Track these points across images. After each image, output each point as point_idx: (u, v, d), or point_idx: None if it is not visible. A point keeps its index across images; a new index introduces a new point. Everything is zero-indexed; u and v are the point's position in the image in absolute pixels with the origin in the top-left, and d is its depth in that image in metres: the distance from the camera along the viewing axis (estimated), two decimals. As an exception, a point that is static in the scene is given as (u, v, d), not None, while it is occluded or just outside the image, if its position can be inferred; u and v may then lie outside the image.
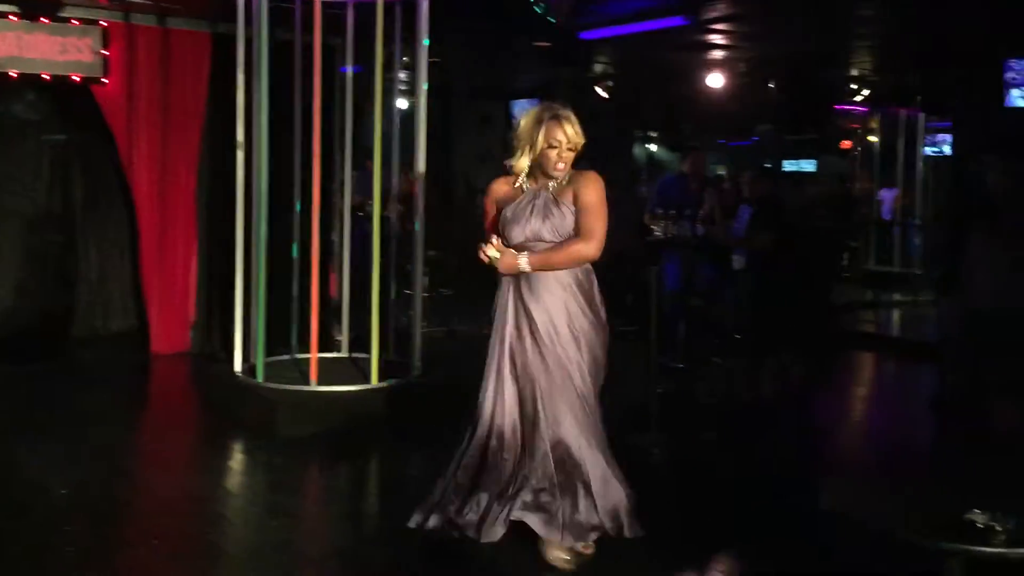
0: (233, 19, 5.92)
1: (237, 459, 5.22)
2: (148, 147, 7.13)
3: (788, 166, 16.59)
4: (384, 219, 6.18)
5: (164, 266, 7.31)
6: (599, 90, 10.88)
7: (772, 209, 7.00)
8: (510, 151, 3.64)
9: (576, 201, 3.56)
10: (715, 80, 10.38)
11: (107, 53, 6.93)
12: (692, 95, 10.95)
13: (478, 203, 13.51)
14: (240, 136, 5.92)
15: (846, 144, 14.39)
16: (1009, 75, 7.55)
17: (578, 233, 3.56)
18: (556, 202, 3.59)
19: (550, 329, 3.58)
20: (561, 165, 3.55)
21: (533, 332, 3.59)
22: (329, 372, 5.83)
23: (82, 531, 3.95)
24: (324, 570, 3.69)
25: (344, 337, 6.52)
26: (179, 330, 7.42)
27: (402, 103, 8.33)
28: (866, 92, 10.83)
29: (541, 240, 3.59)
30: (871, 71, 10.48)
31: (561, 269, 3.59)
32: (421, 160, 5.87)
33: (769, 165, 13.93)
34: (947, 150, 12.67)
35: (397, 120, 6.14)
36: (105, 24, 6.93)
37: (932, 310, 9.01)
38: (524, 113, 3.64)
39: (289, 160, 6.26)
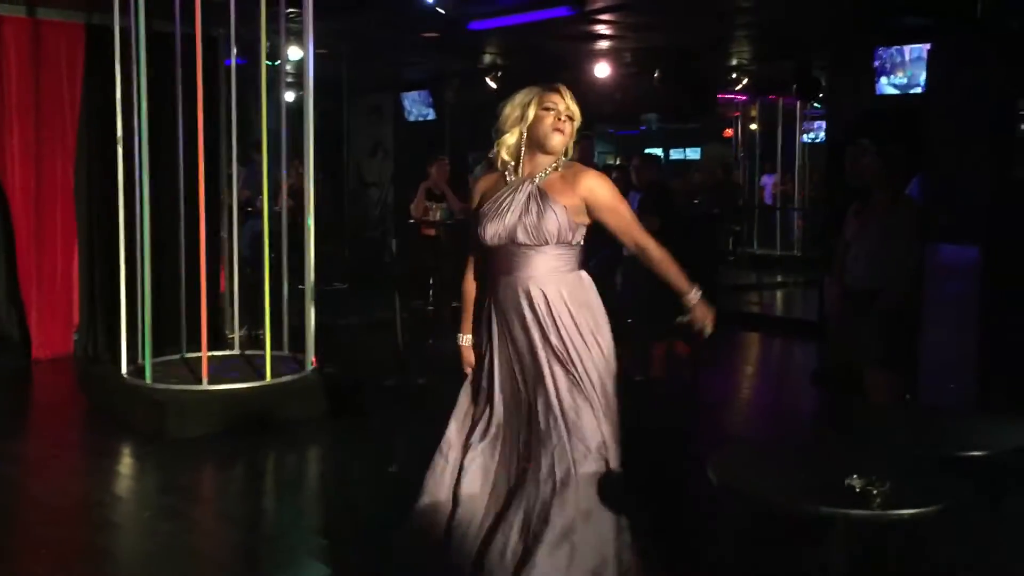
0: (108, 9, 5.73)
1: (126, 463, 5.07)
2: (21, 144, 6.84)
3: (675, 154, 16.99)
4: (274, 214, 6.08)
5: (42, 266, 7.02)
6: (489, 81, 10.92)
7: (659, 195, 7.16)
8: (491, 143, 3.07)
9: (592, 211, 2.94)
10: (602, 70, 10.55)
11: (-28, 45, 6.61)
12: (581, 85, 11.09)
13: (370, 196, 13.46)
14: (120, 131, 5.74)
15: (728, 132, 14.82)
16: (878, 63, 7.90)
17: (622, 236, 2.99)
18: (541, 196, 2.91)
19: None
20: (559, 137, 2.92)
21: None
22: (221, 370, 5.72)
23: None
24: (218, 573, 3.63)
25: (236, 335, 6.40)
26: (61, 333, 7.14)
27: (289, 96, 8.18)
28: (745, 81, 11.16)
29: (514, 242, 2.91)
30: (749, 60, 10.81)
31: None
32: (310, 153, 5.80)
33: (655, 152, 14.25)
34: (823, 136, 13.20)
35: (284, 113, 6.05)
36: (-31, 15, 6.61)
37: (811, 290, 9.39)
38: (506, 100, 3.04)
39: (172, 155, 6.10)
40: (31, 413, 6.26)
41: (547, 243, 2.90)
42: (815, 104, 12.50)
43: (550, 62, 10.24)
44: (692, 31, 9.15)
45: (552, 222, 2.88)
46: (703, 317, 3.02)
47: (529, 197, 2.91)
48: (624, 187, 8.04)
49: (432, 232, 8.90)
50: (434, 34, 9.08)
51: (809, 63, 9.94)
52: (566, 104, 2.96)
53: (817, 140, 13.43)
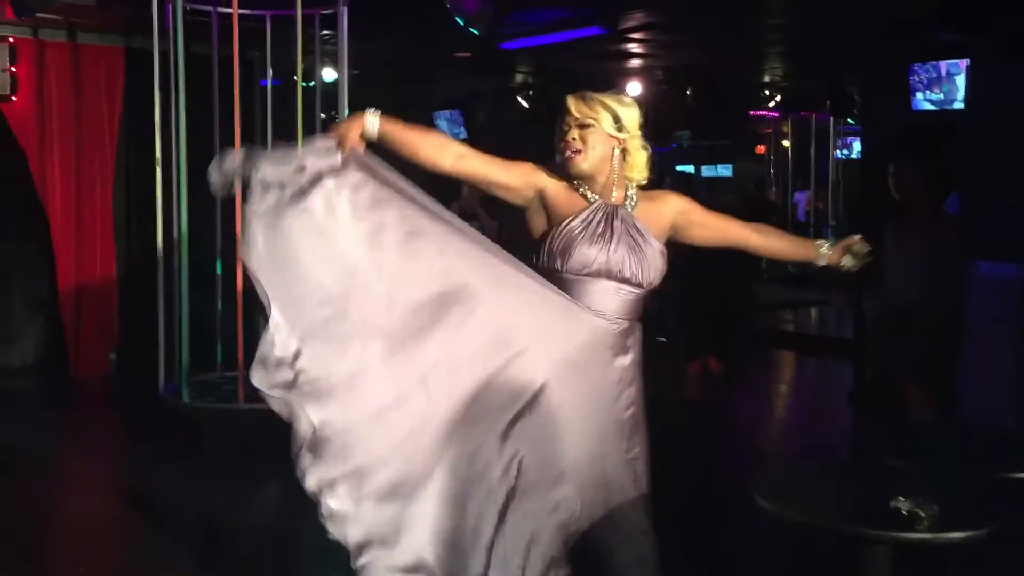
0: (147, 33, 5.81)
1: (164, 480, 5.10)
2: (62, 165, 6.96)
3: (706, 171, 16.91)
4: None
5: (81, 286, 7.12)
6: (520, 100, 10.95)
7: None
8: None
9: (693, 225, 2.63)
10: (634, 88, 10.55)
11: (15, 70, 6.74)
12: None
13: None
14: (158, 152, 5.81)
15: (761, 149, 14.76)
16: (914, 79, 7.83)
17: (735, 235, 2.70)
18: (643, 234, 2.52)
19: None
20: (574, 161, 2.51)
21: None
22: (257, 389, 5.73)
23: (5, 562, 3.83)
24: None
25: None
26: (99, 353, 7.22)
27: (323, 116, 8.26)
28: (778, 98, 11.11)
29: (622, 279, 2.48)
30: (782, 77, 10.77)
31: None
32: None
33: (688, 169, 14.19)
34: (856, 152, 13.10)
35: (320, 133, 6.08)
36: (12, 40, 6.74)
37: (847, 308, 9.28)
38: None
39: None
40: (69, 430, 6.32)
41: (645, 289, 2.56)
42: (849, 120, 12.42)
43: (581, 81, 10.27)
44: (724, 48, 9.14)
45: (654, 263, 2.52)
46: (844, 248, 2.73)
47: (631, 229, 2.51)
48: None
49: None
50: (466, 54, 9.13)
51: (843, 79, 9.88)
52: (576, 113, 2.54)
53: (851, 156, 13.32)
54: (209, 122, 6.09)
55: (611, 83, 11.33)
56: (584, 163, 2.51)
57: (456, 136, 12.79)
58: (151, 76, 5.78)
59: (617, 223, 2.49)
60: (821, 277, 5.17)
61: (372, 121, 2.44)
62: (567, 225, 2.47)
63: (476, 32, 6.19)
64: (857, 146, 13.04)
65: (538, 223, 2.54)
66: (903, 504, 2.38)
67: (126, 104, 7.04)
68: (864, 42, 8.09)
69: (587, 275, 2.46)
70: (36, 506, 4.55)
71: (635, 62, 9.86)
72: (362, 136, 2.43)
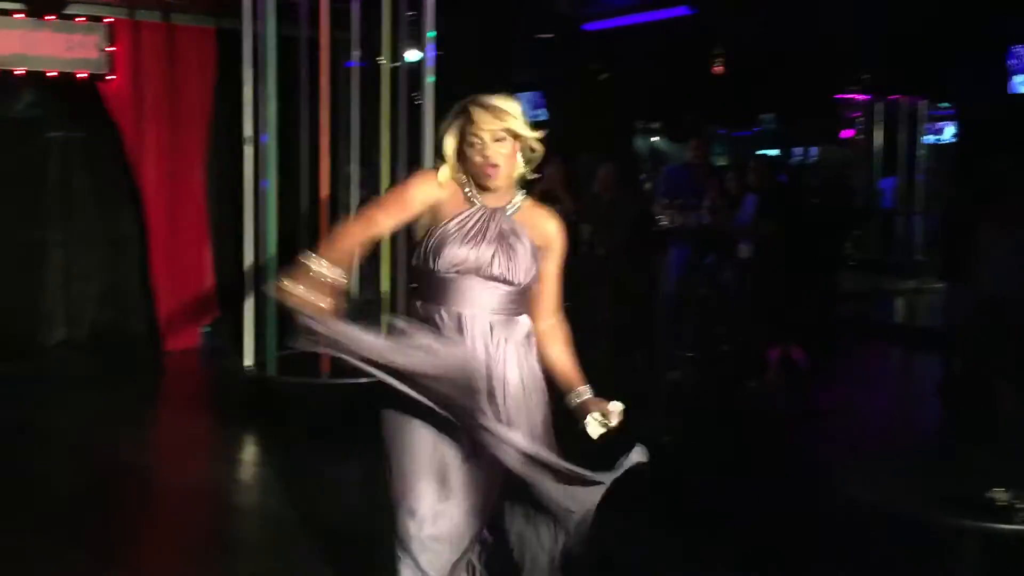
0: (238, 14, 5.94)
1: (251, 451, 5.25)
2: (156, 143, 7.16)
3: (797, 154, 16.59)
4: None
5: (174, 262, 7.33)
6: (601, 81, 10.87)
7: (777, 198, 7.03)
8: None
9: (545, 258, 2.61)
10: (717, 69, 10.38)
11: (113, 49, 6.95)
12: (695, 85, 10.95)
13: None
14: (248, 131, 5.94)
15: (847, 133, 14.40)
16: (1012, 61, 7.56)
17: (541, 303, 2.64)
18: (518, 234, 2.57)
19: None
20: (493, 177, 2.53)
21: None
22: (342, 364, 5.84)
23: (99, 525, 3.99)
24: (340, 560, 3.72)
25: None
26: (190, 326, 7.44)
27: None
28: (867, 79, 10.82)
29: (491, 276, 2.54)
30: (874, 59, 10.48)
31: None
32: (428, 154, 5.88)
33: (775, 153, 13.95)
34: (947, 138, 12.69)
35: (404, 114, 6.15)
36: (111, 21, 6.95)
37: (934, 297, 9.04)
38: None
39: (297, 155, 6.28)
40: (161, 402, 6.54)
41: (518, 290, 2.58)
42: (941, 104, 12.04)
43: (663, 62, 10.15)
44: (812, 30, 8.93)
45: (524, 265, 2.55)
46: (595, 409, 2.49)
47: (509, 232, 2.55)
48: (739, 189, 7.92)
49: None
50: (549, 35, 9.10)
51: (937, 61, 9.57)
52: (496, 126, 2.49)
53: (942, 141, 12.92)
54: (295, 102, 6.20)
55: (693, 65, 11.12)
56: (500, 180, 2.54)
57: (535, 118, 12.75)
58: (240, 56, 5.90)
59: (492, 224, 2.54)
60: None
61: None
62: (443, 227, 2.54)
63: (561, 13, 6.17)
64: (949, 130, 12.64)
65: (424, 224, 2.60)
66: (1000, 495, 2.32)
67: (217, 84, 7.21)
68: (961, 23, 7.85)
69: (457, 273, 2.52)
70: (129, 475, 4.71)
71: (720, 43, 9.70)
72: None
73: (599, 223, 8.11)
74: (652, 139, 16.25)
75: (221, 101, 7.14)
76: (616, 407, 2.47)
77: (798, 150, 15.85)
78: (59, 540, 3.78)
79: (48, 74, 6.87)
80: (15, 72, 6.77)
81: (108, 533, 3.92)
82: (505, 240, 2.54)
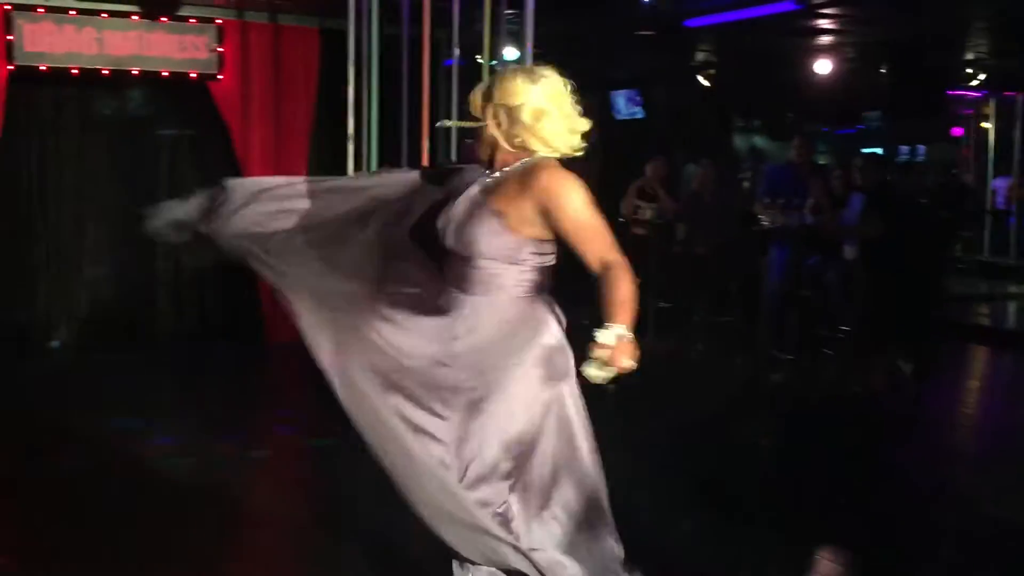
0: (341, 15, 6.03)
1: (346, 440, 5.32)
2: (261, 141, 7.34)
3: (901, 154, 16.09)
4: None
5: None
6: (701, 79, 10.72)
7: (884, 197, 6.81)
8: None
9: (557, 222, 2.42)
10: (822, 66, 10.12)
11: (222, 50, 7.16)
12: (797, 82, 10.70)
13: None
14: (351, 129, 6.04)
15: (957, 130, 13.88)
16: None
17: (585, 261, 2.43)
18: (482, 204, 2.48)
19: None
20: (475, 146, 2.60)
21: None
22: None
23: (207, 511, 4.09)
24: (440, 557, 3.74)
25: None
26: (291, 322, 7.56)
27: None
28: (982, 76, 10.39)
29: (450, 248, 2.54)
30: (987, 54, 10.06)
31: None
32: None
33: (882, 152, 13.55)
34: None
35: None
36: (220, 22, 7.16)
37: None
38: None
39: (398, 153, 6.35)
40: (266, 394, 6.69)
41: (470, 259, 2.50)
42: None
43: (765, 59, 9.94)
44: (924, 23, 8.62)
45: (484, 241, 2.45)
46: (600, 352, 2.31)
47: (473, 203, 2.49)
48: (842, 189, 7.69)
49: (641, 231, 8.83)
50: (649, 32, 9.01)
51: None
52: (473, 103, 2.57)
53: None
54: (396, 100, 6.27)
55: (796, 61, 10.85)
56: (481, 153, 2.57)
57: (633, 116, 12.63)
58: (344, 56, 6.00)
59: (463, 196, 2.51)
60: None
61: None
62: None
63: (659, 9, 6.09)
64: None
65: None
66: None
67: (320, 83, 7.35)
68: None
69: (443, 245, 2.55)
70: (233, 469, 4.82)
71: (824, 39, 9.46)
72: None
73: (697, 222, 8.00)
74: (752, 137, 15.98)
75: (324, 99, 7.28)
76: (626, 363, 2.28)
77: (904, 148, 15.35)
78: (166, 523, 3.90)
79: (161, 74, 7.11)
80: (131, 72, 7.03)
81: (215, 520, 4.02)
82: (468, 211, 2.48)
